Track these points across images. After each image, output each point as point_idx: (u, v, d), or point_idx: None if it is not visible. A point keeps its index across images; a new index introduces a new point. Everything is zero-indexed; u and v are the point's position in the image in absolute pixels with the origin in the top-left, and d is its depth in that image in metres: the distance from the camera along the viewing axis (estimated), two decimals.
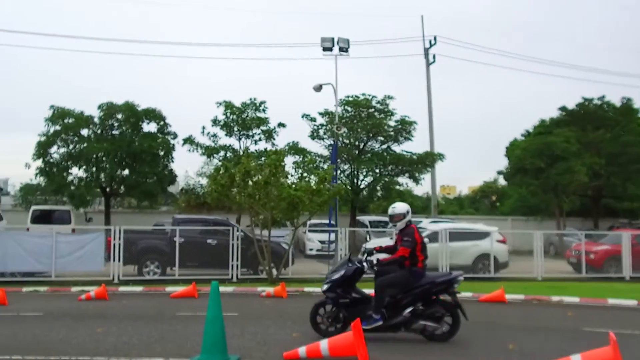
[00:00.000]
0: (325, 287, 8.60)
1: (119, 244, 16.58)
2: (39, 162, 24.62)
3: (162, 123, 26.21)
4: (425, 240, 8.83)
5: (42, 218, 22.59)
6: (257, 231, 17.10)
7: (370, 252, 8.83)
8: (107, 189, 26.26)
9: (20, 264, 16.30)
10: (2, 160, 79.26)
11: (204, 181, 30.27)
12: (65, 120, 24.72)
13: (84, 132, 25.40)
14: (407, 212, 8.66)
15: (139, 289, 14.85)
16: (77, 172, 25.25)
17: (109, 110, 25.22)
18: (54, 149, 24.84)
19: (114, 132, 25.88)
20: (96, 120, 25.56)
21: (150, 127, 26.30)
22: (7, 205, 32.74)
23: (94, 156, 24.71)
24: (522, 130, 37.22)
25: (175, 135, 26.59)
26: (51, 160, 24.74)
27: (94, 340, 8.22)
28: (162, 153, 25.70)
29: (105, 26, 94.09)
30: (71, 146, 25.02)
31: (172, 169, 26.63)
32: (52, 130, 24.58)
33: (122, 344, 8.05)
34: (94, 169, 25.16)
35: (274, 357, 7.32)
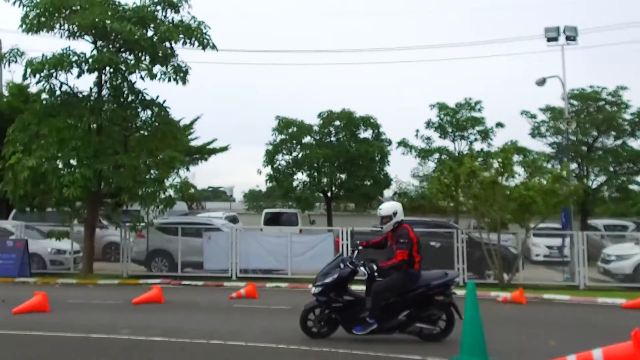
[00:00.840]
0: (316, 290, 8.19)
1: (347, 244, 17.16)
2: (268, 169, 26.79)
3: (376, 131, 26.81)
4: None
5: (272, 220, 24.53)
6: (477, 234, 16.44)
7: (355, 247, 8.61)
8: (329, 193, 27.56)
9: (261, 262, 17.69)
10: (229, 170, 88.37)
11: (417, 183, 30.30)
12: (289, 130, 26.53)
13: (306, 139, 26.98)
14: (395, 213, 8.18)
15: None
16: (301, 177, 26.93)
17: (328, 118, 26.48)
18: (279, 156, 26.82)
19: (332, 138, 27.09)
20: (316, 128, 27.02)
21: (366, 133, 27.04)
22: (239, 209, 36.33)
23: (316, 162, 26.13)
24: None
25: (389, 142, 27.02)
26: (278, 167, 26.73)
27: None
28: (377, 157, 26.21)
29: (317, 39, 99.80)
30: (294, 153, 26.82)
31: (387, 173, 27.06)
32: (278, 139, 26.56)
33: (372, 342, 8.14)
34: (315, 174, 26.61)
35: None
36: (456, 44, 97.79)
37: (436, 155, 26.51)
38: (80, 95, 16.33)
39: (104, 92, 16.37)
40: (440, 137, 26.79)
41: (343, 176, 26.96)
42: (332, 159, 25.79)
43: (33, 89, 21.43)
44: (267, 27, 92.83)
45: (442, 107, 26.45)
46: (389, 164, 26.84)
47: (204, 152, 30.44)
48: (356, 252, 8.48)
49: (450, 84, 78.44)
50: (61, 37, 15.93)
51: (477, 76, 73.41)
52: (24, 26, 15.33)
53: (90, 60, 15.05)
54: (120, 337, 8.27)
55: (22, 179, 14.30)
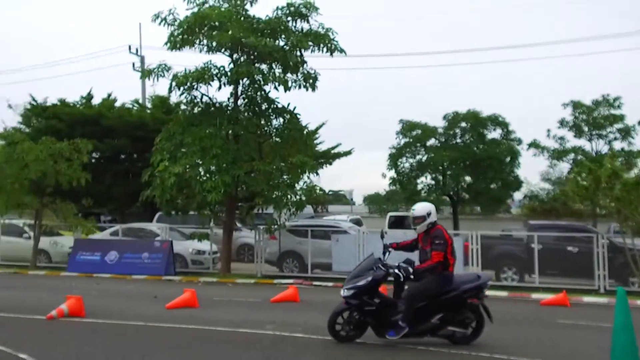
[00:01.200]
0: (347, 293, 7.88)
1: (477, 249, 16.80)
2: (392, 173, 26.91)
3: (505, 130, 25.97)
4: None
5: (396, 223, 24.61)
6: (619, 238, 15.40)
7: (386, 249, 8.24)
8: (454, 196, 27.11)
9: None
10: (349, 173, 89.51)
11: (547, 186, 28.89)
12: (413, 133, 26.46)
13: (430, 142, 26.76)
14: (428, 213, 7.98)
15: (502, 294, 14.77)
16: (425, 180, 26.76)
17: (453, 119, 26.10)
18: (403, 159, 26.83)
19: (457, 140, 26.62)
20: (440, 130, 26.71)
21: (494, 133, 26.31)
22: (360, 212, 36.73)
23: (440, 165, 25.84)
24: None
25: (519, 141, 26.08)
26: (402, 170, 26.75)
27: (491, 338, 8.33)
28: (507, 159, 25.39)
29: (438, 40, 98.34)
30: (418, 156, 26.70)
31: (517, 175, 26.10)
32: (402, 142, 26.59)
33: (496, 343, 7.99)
34: (440, 177, 26.30)
35: None
36: (594, 37, 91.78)
37: (571, 156, 25.16)
38: (218, 105, 17.47)
39: (240, 101, 17.38)
40: (575, 136, 25.44)
41: (469, 179, 26.39)
42: (457, 161, 25.35)
43: (173, 99, 23.14)
44: (386, 30, 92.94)
45: (577, 105, 25.10)
46: (519, 166, 25.89)
47: (329, 156, 31.18)
48: (387, 254, 8.21)
49: (584, 81, 73.81)
50: (200, 51, 17.18)
51: (615, 71, 68.48)
52: (169, 44, 16.69)
53: (229, 73, 16.06)
54: (265, 332, 8.79)
55: (169, 184, 15.54)
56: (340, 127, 72.35)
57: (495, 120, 25.81)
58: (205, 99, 17.25)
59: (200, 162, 16.05)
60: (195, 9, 16.51)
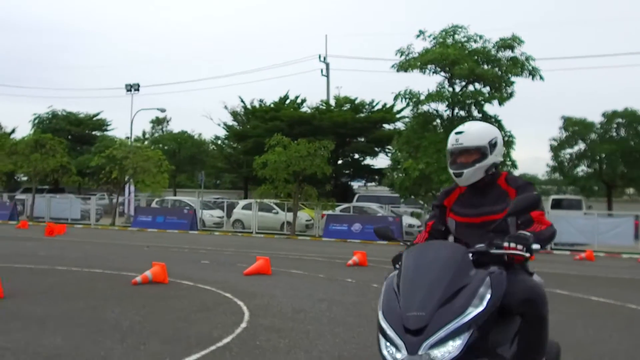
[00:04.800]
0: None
1: None
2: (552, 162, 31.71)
3: None
4: None
5: (557, 205, 29.40)
6: None
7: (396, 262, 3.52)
8: (609, 182, 31.47)
9: (569, 237, 22.79)
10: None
11: None
12: (574, 128, 31.07)
13: (590, 136, 31.26)
14: (492, 143, 3.38)
15: None
16: (584, 168, 31.39)
17: (612, 116, 30.38)
18: (565, 151, 31.56)
19: (614, 134, 30.89)
20: (597, 125, 31.08)
21: None
22: None
23: (598, 156, 30.28)
24: None
25: None
26: (563, 159, 31.51)
27: None
28: None
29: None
30: (576, 148, 31.34)
31: None
32: (563, 136, 31.31)
33: None
34: (597, 165, 30.78)
35: None
36: None
37: None
38: (437, 115, 23.28)
39: (456, 112, 23.02)
40: None
41: (623, 168, 30.58)
42: (615, 153, 29.62)
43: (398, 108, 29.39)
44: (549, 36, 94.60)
45: None
46: None
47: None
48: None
49: None
50: (427, 74, 22.97)
51: None
52: (397, 67, 22.57)
53: (459, 96, 21.77)
54: None
55: (414, 176, 21.53)
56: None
57: None
58: (431, 111, 23.09)
59: (436, 161, 21.84)
60: (429, 45, 22.38)
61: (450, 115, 22.91)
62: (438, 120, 22.98)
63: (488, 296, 2.68)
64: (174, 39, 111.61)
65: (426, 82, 41.36)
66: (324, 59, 39.88)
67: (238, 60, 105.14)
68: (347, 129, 33.11)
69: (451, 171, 3.33)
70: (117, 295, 8.25)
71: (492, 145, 3.27)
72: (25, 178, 43.02)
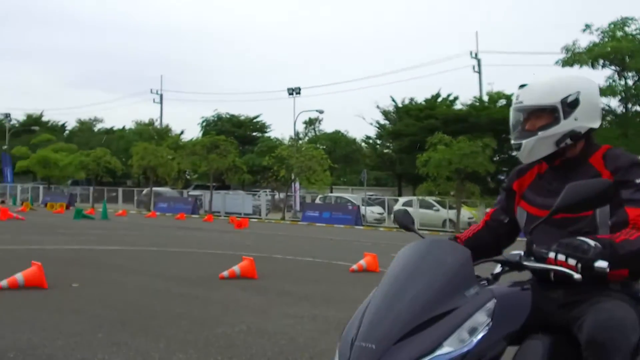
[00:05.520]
0: None
1: None
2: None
3: None
4: None
5: None
6: None
7: None
8: None
9: None
10: None
11: None
12: None
13: None
14: (573, 100, 2.25)
15: None
16: None
17: None
18: None
19: None
20: None
21: None
22: None
23: None
24: None
25: None
26: None
27: None
28: None
29: None
30: None
31: None
32: None
33: None
34: None
35: None
36: None
37: None
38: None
39: (629, 107, 22.30)
40: None
41: None
42: None
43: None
44: None
45: None
46: None
47: None
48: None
49: None
50: (598, 69, 22.49)
51: None
52: (561, 63, 22.31)
53: (633, 89, 21.18)
54: None
55: None
56: None
57: None
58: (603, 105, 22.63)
59: None
60: (596, 39, 21.95)
61: (624, 110, 22.24)
62: (610, 117, 22.43)
63: (483, 329, 1.81)
64: (324, 42, 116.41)
65: (591, 76, 39.72)
66: (475, 55, 39.82)
67: (383, 60, 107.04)
68: (505, 125, 32.73)
69: (514, 143, 2.30)
70: (345, 280, 9.70)
71: (569, 104, 2.20)
72: (195, 176, 47.90)
